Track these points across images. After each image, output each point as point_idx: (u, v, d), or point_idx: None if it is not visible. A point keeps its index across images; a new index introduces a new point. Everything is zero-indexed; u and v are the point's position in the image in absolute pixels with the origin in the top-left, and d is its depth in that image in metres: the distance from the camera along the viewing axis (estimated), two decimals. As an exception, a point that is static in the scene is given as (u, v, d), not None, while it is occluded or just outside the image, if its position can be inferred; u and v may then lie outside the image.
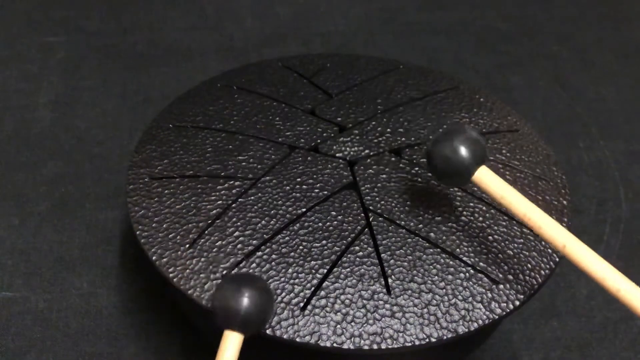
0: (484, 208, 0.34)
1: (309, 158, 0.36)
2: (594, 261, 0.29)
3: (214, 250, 0.32)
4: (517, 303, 0.31)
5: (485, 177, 0.31)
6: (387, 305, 0.30)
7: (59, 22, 0.57)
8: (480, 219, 0.34)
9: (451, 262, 0.32)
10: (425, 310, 0.30)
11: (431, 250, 0.32)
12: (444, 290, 0.31)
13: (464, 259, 0.32)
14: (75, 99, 0.51)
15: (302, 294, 0.30)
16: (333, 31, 0.58)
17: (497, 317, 0.31)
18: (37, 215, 0.43)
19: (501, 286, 0.31)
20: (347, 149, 0.36)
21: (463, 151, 0.30)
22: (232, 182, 0.35)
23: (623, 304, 0.28)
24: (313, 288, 0.31)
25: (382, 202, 0.34)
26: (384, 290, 0.31)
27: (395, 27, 0.59)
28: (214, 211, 0.33)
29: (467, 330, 0.30)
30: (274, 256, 0.32)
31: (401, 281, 0.31)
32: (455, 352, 0.36)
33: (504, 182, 0.31)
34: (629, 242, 0.44)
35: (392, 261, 0.32)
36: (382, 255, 0.32)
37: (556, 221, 0.30)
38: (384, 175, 0.35)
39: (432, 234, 0.33)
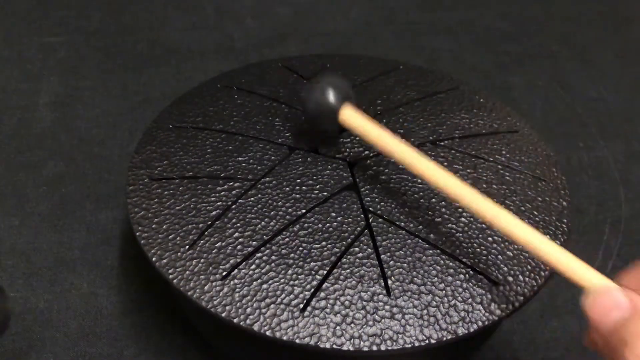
0: (484, 209, 0.34)
1: (308, 159, 0.36)
2: (436, 174, 0.31)
3: (214, 251, 0.32)
4: (517, 304, 0.31)
5: (350, 115, 0.34)
6: (387, 307, 0.30)
7: (59, 22, 0.57)
8: (480, 220, 0.34)
9: (451, 263, 0.32)
10: (425, 311, 0.30)
11: (431, 251, 0.32)
12: (444, 291, 0.31)
13: (464, 260, 0.32)
14: (75, 99, 0.51)
15: (301, 295, 0.30)
16: (333, 31, 0.58)
17: (497, 318, 0.31)
18: (37, 216, 0.43)
19: (501, 287, 0.31)
20: (347, 149, 0.36)
21: (329, 92, 0.34)
22: (231, 183, 0.35)
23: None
24: (313, 289, 0.31)
25: (382, 203, 0.34)
26: (384, 291, 0.31)
27: (395, 27, 0.59)
28: (214, 212, 0.33)
29: (466, 331, 0.30)
30: (273, 257, 0.32)
31: (401, 282, 0.31)
32: (455, 353, 0.36)
33: (368, 118, 0.34)
34: (629, 242, 0.44)
35: (391, 262, 0.32)
36: (382, 256, 0.32)
37: (415, 149, 0.32)
38: (384, 177, 0.35)
39: (432, 235, 0.33)
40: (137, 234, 0.33)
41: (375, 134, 0.33)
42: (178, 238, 0.32)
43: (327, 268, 0.31)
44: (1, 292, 0.36)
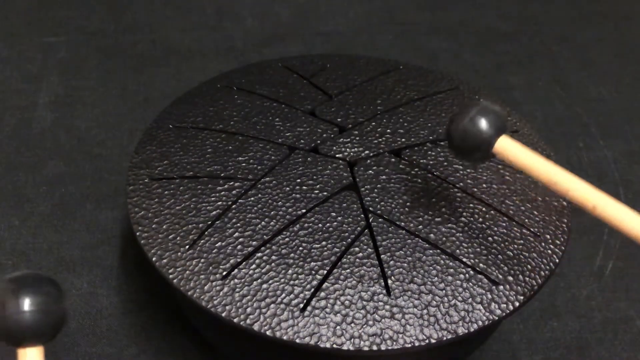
0: (484, 209, 0.34)
1: (308, 159, 0.36)
2: (627, 218, 0.28)
3: (214, 251, 0.32)
4: (517, 304, 0.31)
5: (507, 147, 0.30)
6: (387, 307, 0.30)
7: (59, 22, 0.57)
8: (480, 219, 0.34)
9: (451, 263, 0.32)
10: (425, 311, 0.30)
11: (431, 251, 0.32)
12: (444, 291, 0.31)
13: (464, 260, 0.32)
14: (75, 99, 0.51)
15: (302, 295, 0.31)
16: (333, 31, 0.58)
17: (496, 318, 0.31)
18: (37, 216, 0.43)
19: (501, 287, 0.31)
20: (347, 149, 0.37)
21: (481, 122, 0.29)
22: (232, 183, 0.35)
23: None
24: (313, 289, 0.31)
25: (382, 203, 0.34)
26: (384, 291, 0.31)
27: (395, 27, 0.59)
28: (214, 212, 0.33)
29: (466, 331, 0.30)
30: (273, 257, 0.32)
31: (401, 282, 0.31)
32: (455, 353, 0.36)
33: (526, 149, 0.30)
34: (629, 242, 0.43)
35: (391, 262, 0.32)
36: (382, 256, 0.32)
37: (585, 182, 0.29)
38: (384, 176, 0.35)
39: (432, 235, 0.33)
40: (137, 234, 0.33)
41: (544, 168, 0.29)
42: (178, 238, 0.32)
43: (327, 268, 0.31)
44: (60, 291, 0.33)
